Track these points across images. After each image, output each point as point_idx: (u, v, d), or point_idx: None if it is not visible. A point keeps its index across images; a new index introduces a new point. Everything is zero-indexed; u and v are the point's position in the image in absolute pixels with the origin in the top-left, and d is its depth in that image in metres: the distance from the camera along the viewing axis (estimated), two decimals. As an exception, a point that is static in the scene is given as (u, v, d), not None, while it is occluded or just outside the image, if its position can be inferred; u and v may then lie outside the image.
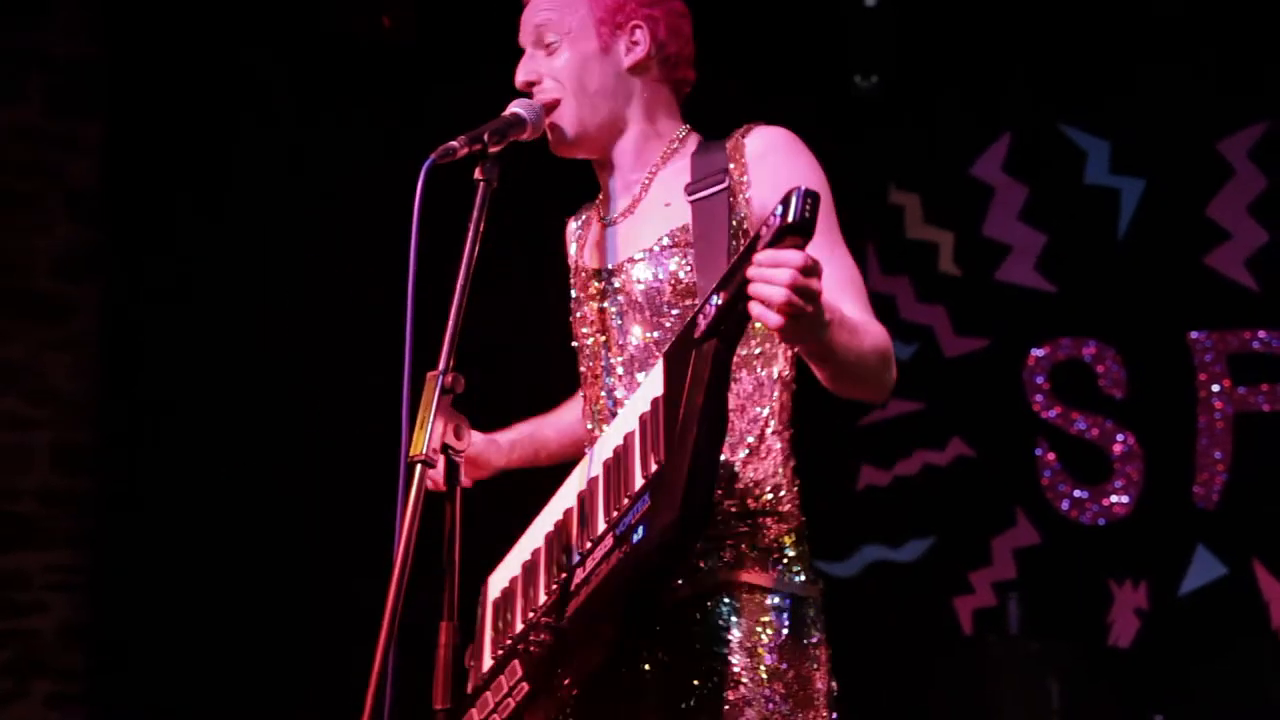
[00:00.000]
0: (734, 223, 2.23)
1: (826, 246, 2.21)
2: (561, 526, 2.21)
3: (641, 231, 2.35)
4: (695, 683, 2.17)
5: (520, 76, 2.37)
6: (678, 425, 1.93)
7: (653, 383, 2.08)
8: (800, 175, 2.23)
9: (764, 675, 2.18)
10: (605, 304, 2.36)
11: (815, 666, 2.24)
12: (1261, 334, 5.29)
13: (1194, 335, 5.32)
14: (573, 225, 2.55)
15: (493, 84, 2.52)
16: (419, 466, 1.97)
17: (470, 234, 2.14)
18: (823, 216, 2.13)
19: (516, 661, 2.15)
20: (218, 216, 5.25)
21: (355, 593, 2.71)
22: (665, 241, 2.30)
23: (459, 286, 2.10)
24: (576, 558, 2.11)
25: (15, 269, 5.25)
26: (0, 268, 5.23)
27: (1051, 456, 5.43)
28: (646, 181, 2.38)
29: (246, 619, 5.03)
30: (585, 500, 2.16)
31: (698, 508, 1.91)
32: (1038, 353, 5.47)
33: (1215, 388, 5.29)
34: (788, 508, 2.28)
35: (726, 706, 2.15)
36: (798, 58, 5.33)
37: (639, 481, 2.02)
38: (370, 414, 2.84)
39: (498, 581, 2.35)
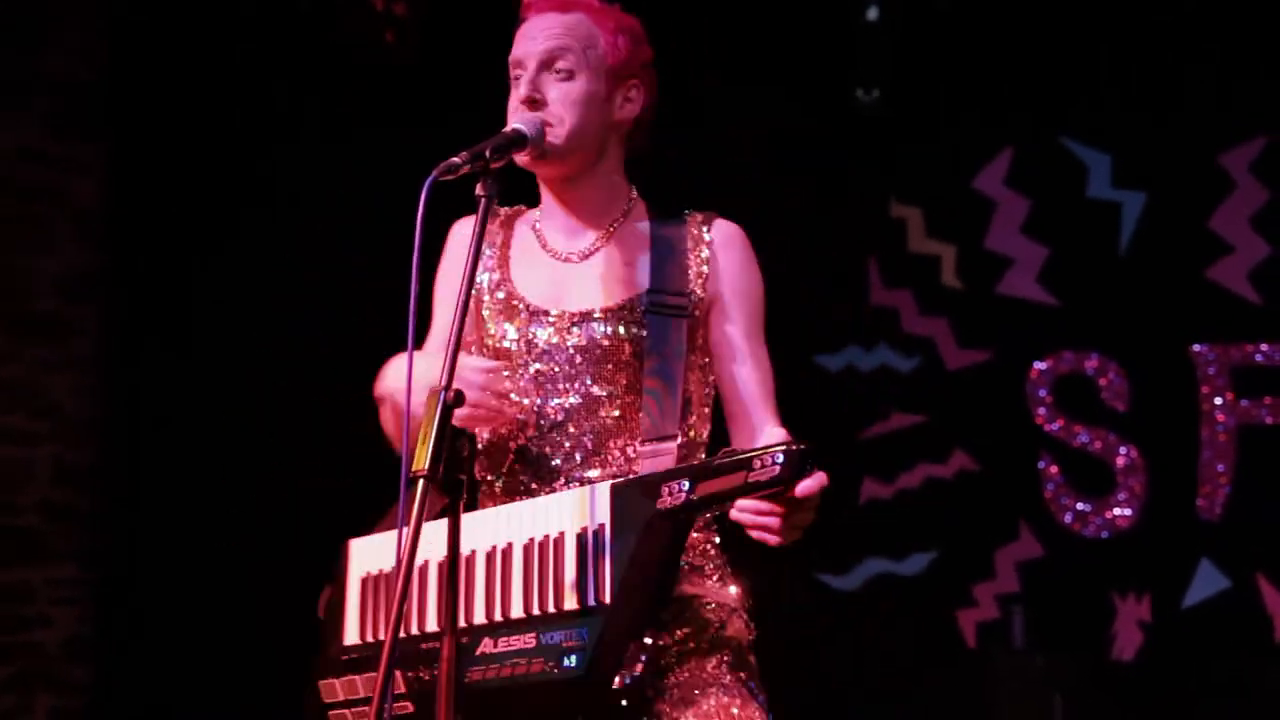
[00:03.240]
0: (690, 346, 2.38)
1: (757, 349, 2.42)
2: (463, 569, 2.21)
3: (602, 285, 2.40)
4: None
5: (526, 91, 2.37)
6: (624, 579, 2.07)
7: (594, 505, 2.14)
8: (753, 282, 2.44)
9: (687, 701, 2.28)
10: (553, 347, 2.38)
11: (750, 698, 2.33)
12: (1264, 347, 5.29)
13: (1196, 348, 5.33)
14: (465, 228, 2.51)
15: (492, 102, 2.53)
16: (421, 483, 1.97)
17: (471, 249, 2.14)
18: (759, 322, 2.41)
19: (399, 674, 2.20)
20: (220, 236, 5.27)
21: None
22: (627, 304, 2.38)
23: (460, 302, 2.11)
24: (483, 619, 2.17)
25: (18, 289, 5.26)
26: (3, 288, 5.24)
27: (1054, 469, 5.43)
28: (609, 231, 2.43)
29: (249, 633, 5.04)
30: (498, 565, 2.19)
31: (621, 664, 2.14)
32: (1040, 366, 5.47)
33: (1218, 400, 5.29)
34: (715, 563, 2.45)
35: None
36: (800, 72, 5.35)
37: (571, 602, 2.11)
38: (372, 430, 2.84)
39: (366, 555, 2.36)
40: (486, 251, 2.48)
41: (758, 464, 1.99)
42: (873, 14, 5.27)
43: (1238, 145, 5.29)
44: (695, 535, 2.38)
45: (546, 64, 2.39)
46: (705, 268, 2.40)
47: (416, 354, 2.11)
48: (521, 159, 2.37)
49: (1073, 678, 4.95)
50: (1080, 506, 5.39)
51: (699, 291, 2.39)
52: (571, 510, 2.15)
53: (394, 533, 2.31)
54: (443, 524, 2.23)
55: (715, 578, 2.38)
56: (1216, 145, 5.30)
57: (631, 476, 2.20)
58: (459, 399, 2.02)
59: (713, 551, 2.41)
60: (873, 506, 5.54)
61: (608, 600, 2.07)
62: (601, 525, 2.11)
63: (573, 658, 2.06)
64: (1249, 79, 5.18)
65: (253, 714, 5.00)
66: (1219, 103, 5.22)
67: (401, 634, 2.21)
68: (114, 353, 5.33)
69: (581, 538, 2.12)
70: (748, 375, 2.39)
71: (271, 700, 4.99)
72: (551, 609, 2.11)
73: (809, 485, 2.00)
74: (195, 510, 5.20)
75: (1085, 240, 5.44)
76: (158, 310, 5.32)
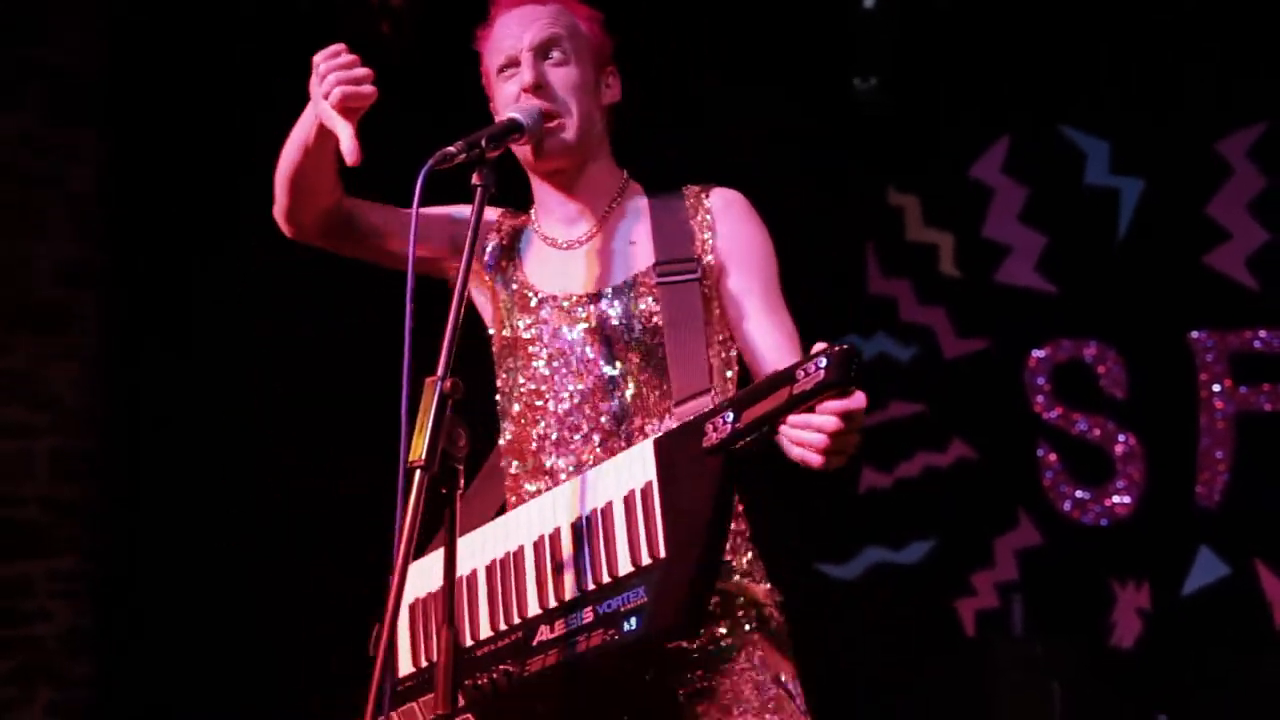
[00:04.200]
0: (707, 314, 2.34)
1: (774, 304, 2.38)
2: (509, 565, 2.20)
3: (607, 265, 2.39)
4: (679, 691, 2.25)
5: (531, 77, 2.36)
6: (680, 528, 2.00)
7: (639, 465, 2.09)
8: (759, 240, 2.40)
9: (744, 663, 2.27)
10: (563, 331, 2.37)
11: (784, 663, 2.33)
12: (1262, 333, 5.29)
13: (1195, 335, 5.32)
14: (500, 219, 2.52)
15: (480, 94, 2.52)
16: (418, 472, 1.97)
17: (468, 239, 2.14)
18: (772, 279, 2.37)
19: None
20: (217, 225, 5.26)
21: (356, 599, 2.72)
22: (632, 281, 2.36)
23: (457, 291, 2.10)
24: (537, 610, 2.13)
25: (16, 278, 5.25)
26: (2, 279, 5.24)
27: (1053, 457, 5.43)
28: (606, 214, 2.43)
29: (248, 625, 5.04)
30: (547, 552, 2.16)
31: (698, 621, 2.03)
32: (1038, 354, 5.47)
33: (1216, 387, 5.29)
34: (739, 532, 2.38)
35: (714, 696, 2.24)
36: (797, 60, 5.34)
37: (626, 566, 2.05)
38: (369, 420, 2.84)
39: (416, 580, 2.32)
40: (491, 246, 2.48)
41: (801, 374, 1.90)
42: (870, 2, 5.26)
43: (1235, 131, 5.28)
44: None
45: (541, 53, 2.39)
46: (708, 234, 2.37)
47: None
48: (524, 153, 2.37)
49: (1072, 666, 4.96)
50: (1079, 494, 5.39)
51: (706, 258, 2.36)
52: (615, 477, 2.11)
53: (441, 552, 2.31)
54: (482, 533, 2.23)
55: (748, 572, 2.34)
56: (1214, 131, 5.29)
57: (673, 427, 2.15)
58: (455, 388, 2.02)
59: (741, 543, 2.35)
60: (872, 495, 5.54)
61: (663, 554, 2.01)
62: (649, 482, 2.06)
63: (633, 620, 1.99)
64: (1247, 65, 5.17)
65: (252, 707, 5.01)
66: (1217, 89, 5.21)
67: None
68: (114, 345, 5.33)
69: (629, 501, 2.07)
70: (767, 332, 2.34)
71: (271, 693, 5.01)
72: (606, 579, 2.06)
73: (842, 405, 1.91)
74: (195, 503, 5.20)
75: (1083, 227, 5.43)
76: (157, 303, 5.32)
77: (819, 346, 1.93)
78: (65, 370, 5.29)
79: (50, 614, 5.21)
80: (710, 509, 1.99)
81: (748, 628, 2.29)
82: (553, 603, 2.11)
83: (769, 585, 2.36)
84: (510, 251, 2.47)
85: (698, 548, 1.98)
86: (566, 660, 2.05)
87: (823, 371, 1.88)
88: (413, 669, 2.29)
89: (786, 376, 1.92)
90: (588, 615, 2.05)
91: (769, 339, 2.33)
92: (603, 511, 2.10)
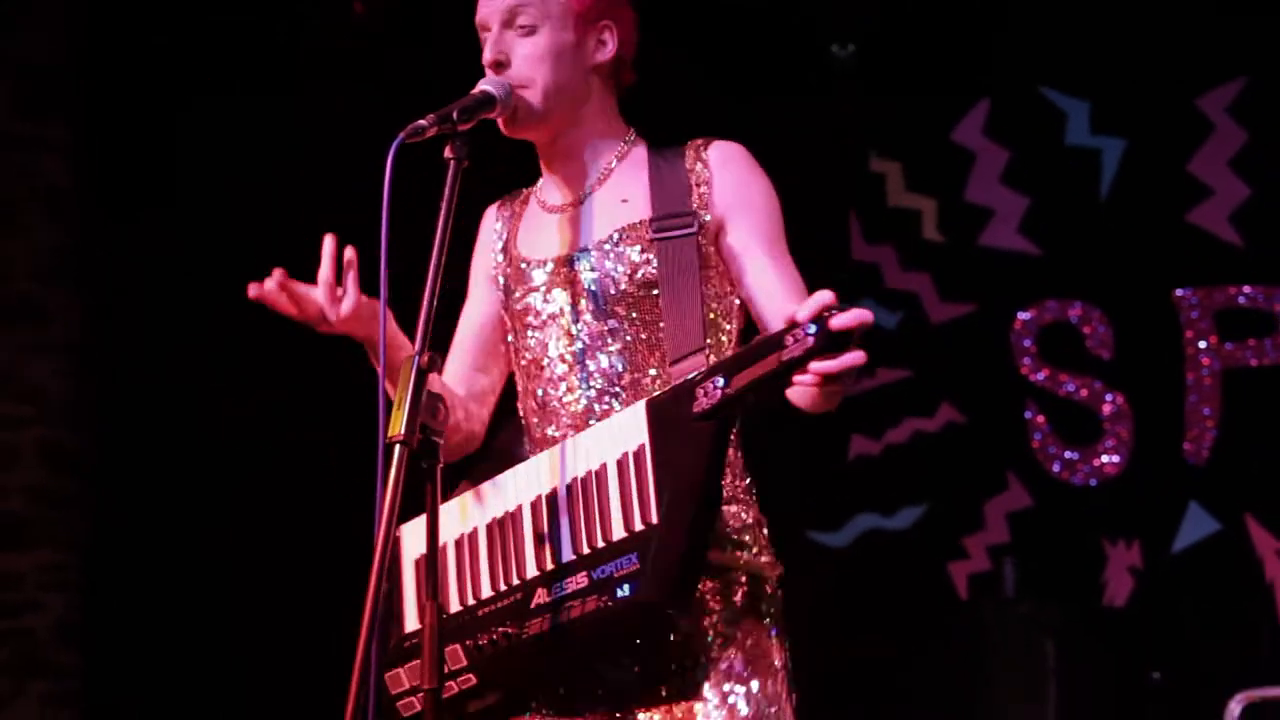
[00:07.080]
0: (705, 270, 2.31)
1: (779, 256, 2.32)
2: (509, 525, 2.19)
3: (594, 224, 2.36)
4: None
5: (490, 54, 2.34)
6: (671, 493, 2.00)
7: (632, 427, 2.08)
8: (761, 192, 2.35)
9: (720, 643, 2.22)
10: (551, 293, 2.35)
11: (771, 639, 2.28)
12: (1247, 289, 5.29)
13: (1179, 292, 5.32)
14: (497, 212, 2.51)
15: (457, 63, 2.51)
16: (397, 447, 1.96)
17: (442, 213, 2.13)
18: (776, 230, 2.33)
19: (459, 648, 2.16)
20: (193, 212, 5.24)
21: (341, 579, 2.71)
22: (617, 236, 2.33)
23: (432, 267, 2.09)
24: (534, 572, 2.13)
25: (-5, 273, 5.24)
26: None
27: (1041, 419, 5.43)
28: (602, 177, 2.39)
29: (238, 613, 5.03)
30: (544, 513, 2.15)
31: (689, 589, 2.04)
32: (1024, 316, 5.47)
33: (1202, 344, 5.29)
34: (744, 499, 2.33)
35: (688, 676, 2.21)
36: (774, 28, 5.32)
37: (620, 531, 2.05)
38: (351, 398, 2.83)
39: (417, 537, 2.28)
40: (498, 227, 2.46)
41: (790, 340, 1.89)
42: (845, -32, 5.25)
43: (1215, 87, 5.28)
44: (730, 508, 2.28)
45: (508, 22, 2.35)
46: (705, 188, 2.32)
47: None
48: (504, 127, 2.35)
49: (1065, 626, 4.97)
50: (1068, 455, 5.40)
51: (702, 213, 2.31)
52: (610, 438, 2.10)
53: (446, 506, 2.28)
54: (481, 491, 2.23)
55: (753, 549, 2.30)
56: (1194, 88, 5.29)
57: (667, 389, 2.14)
58: (433, 362, 2.01)
59: (748, 519, 2.31)
60: (861, 463, 5.55)
61: (654, 520, 2.01)
62: (641, 445, 2.05)
63: (626, 586, 2.00)
64: (1224, 21, 5.16)
65: (242, 696, 5.01)
66: (1195, 45, 5.20)
67: (458, 606, 2.21)
68: (95, 334, 5.32)
69: (622, 464, 2.06)
70: (772, 280, 2.28)
71: (261, 682, 5.00)
72: (600, 543, 2.06)
73: (830, 366, 1.91)
74: (183, 493, 5.19)
75: (1065, 188, 5.43)
76: (137, 288, 5.29)
77: (821, 298, 1.94)
78: (48, 361, 5.27)
79: (40, 605, 5.20)
80: (701, 476, 1.99)
81: (739, 608, 2.25)
82: (549, 565, 2.11)
83: (770, 557, 2.32)
84: (512, 232, 2.46)
85: (688, 517, 1.99)
86: (562, 625, 2.06)
87: (811, 339, 1.88)
88: (418, 625, 2.24)
89: (776, 342, 1.92)
90: (582, 579, 2.05)
91: (776, 291, 2.27)
92: (596, 473, 2.10)
